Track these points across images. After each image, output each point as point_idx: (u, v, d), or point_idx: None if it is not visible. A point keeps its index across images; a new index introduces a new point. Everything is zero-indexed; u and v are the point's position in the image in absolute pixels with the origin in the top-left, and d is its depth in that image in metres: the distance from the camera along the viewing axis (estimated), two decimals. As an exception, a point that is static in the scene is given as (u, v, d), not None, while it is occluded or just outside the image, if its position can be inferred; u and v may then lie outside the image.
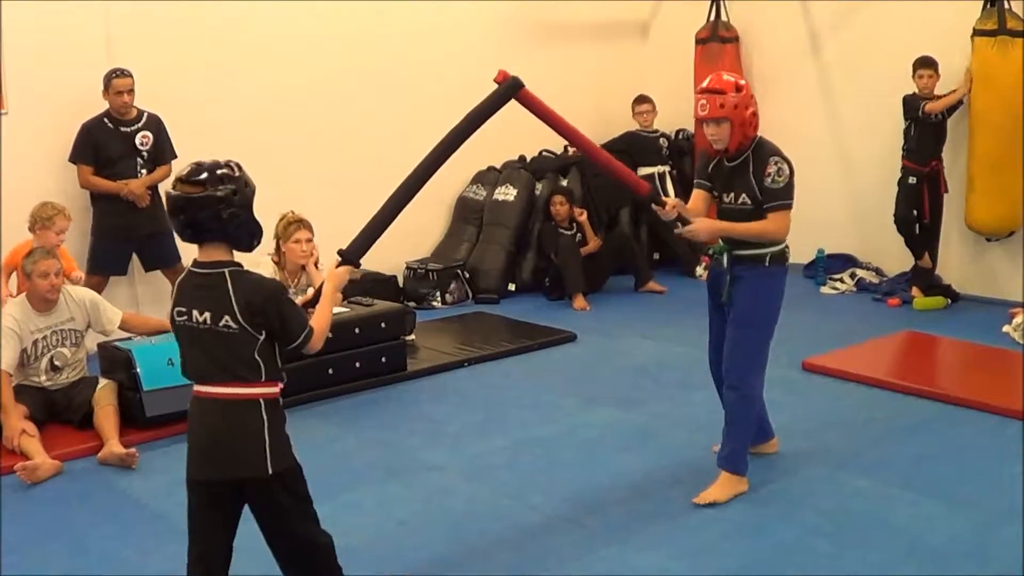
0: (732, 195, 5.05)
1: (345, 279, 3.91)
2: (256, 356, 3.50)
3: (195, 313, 3.49)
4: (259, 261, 6.91)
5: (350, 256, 3.99)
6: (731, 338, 5.08)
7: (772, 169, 4.93)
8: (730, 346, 5.09)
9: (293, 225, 6.85)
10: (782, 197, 4.98)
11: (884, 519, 4.78)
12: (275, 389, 3.57)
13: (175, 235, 7.48)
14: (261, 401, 3.53)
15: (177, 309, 3.55)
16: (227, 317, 3.45)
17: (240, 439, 3.54)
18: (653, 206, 5.08)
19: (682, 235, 5.15)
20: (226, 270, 3.50)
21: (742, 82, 5.00)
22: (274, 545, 3.70)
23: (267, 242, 6.99)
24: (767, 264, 5.04)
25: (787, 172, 4.98)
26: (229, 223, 3.45)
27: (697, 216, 5.13)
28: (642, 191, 5.23)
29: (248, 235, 3.55)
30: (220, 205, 3.42)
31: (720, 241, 5.09)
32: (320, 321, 3.66)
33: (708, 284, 5.29)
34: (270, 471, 3.53)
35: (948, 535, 4.60)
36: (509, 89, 4.57)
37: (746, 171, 4.98)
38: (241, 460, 3.55)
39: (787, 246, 5.13)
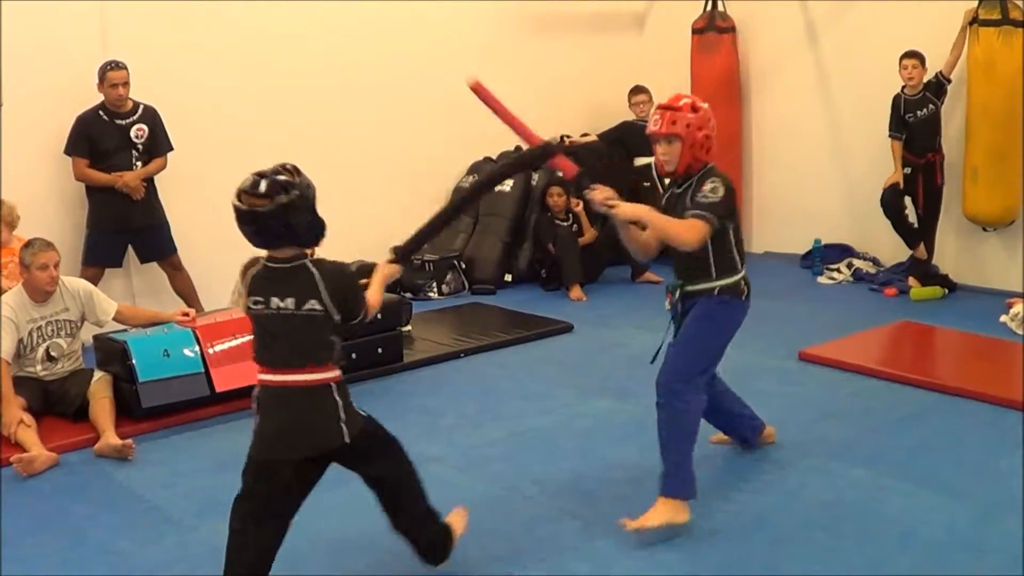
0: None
1: (394, 274, 4.31)
2: (332, 337, 3.81)
3: (275, 300, 3.76)
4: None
5: (401, 256, 4.32)
6: (671, 351, 4.86)
7: (708, 187, 4.65)
8: (668, 357, 4.84)
9: None
10: (706, 208, 4.62)
11: (880, 510, 4.78)
12: (339, 373, 3.88)
13: (170, 227, 7.57)
14: (332, 386, 3.83)
15: (253, 299, 3.80)
16: (313, 301, 3.73)
17: (317, 420, 3.83)
18: (585, 192, 4.84)
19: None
20: (307, 260, 3.80)
21: (701, 104, 4.82)
22: (372, 482, 4.13)
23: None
24: (716, 293, 4.80)
25: (722, 192, 4.65)
26: (298, 227, 3.71)
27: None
28: (570, 173, 4.99)
29: (315, 235, 3.84)
30: (287, 213, 3.64)
31: (674, 276, 4.90)
32: (373, 300, 3.99)
33: (671, 318, 5.03)
34: (347, 439, 3.85)
35: (944, 526, 4.60)
36: (544, 154, 4.51)
37: (687, 194, 4.75)
38: (318, 437, 3.86)
39: (743, 279, 4.87)
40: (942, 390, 6.28)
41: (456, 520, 4.38)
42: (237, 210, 3.65)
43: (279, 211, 3.62)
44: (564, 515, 4.85)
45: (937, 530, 4.57)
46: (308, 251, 3.87)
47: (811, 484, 5.08)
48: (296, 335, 3.76)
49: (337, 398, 3.84)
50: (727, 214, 4.72)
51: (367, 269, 4.17)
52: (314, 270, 3.77)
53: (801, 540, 4.52)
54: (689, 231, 4.62)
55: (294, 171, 3.70)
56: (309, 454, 3.87)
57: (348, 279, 3.89)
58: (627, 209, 4.72)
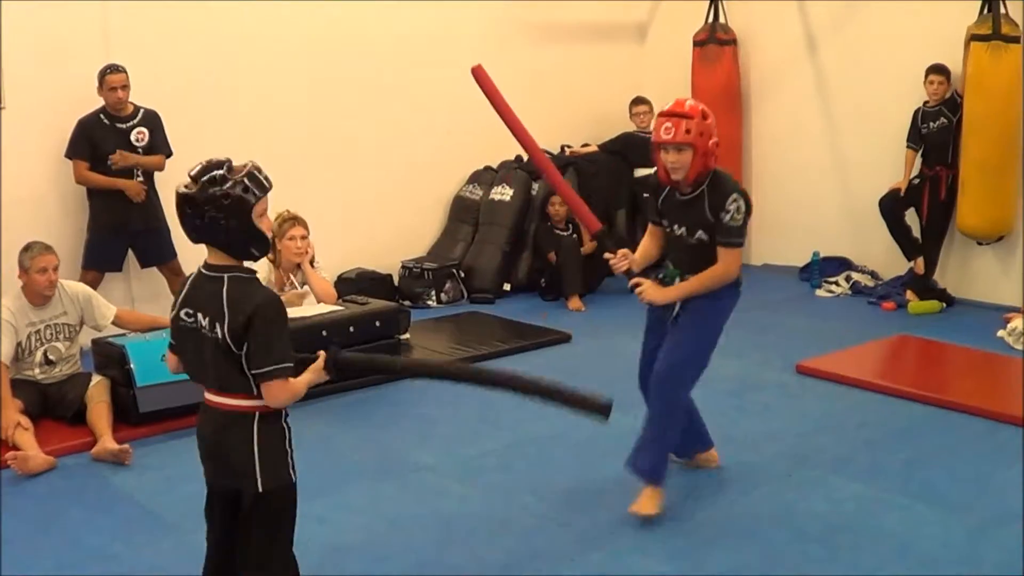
0: (685, 228, 4.83)
1: (322, 379, 3.55)
2: (244, 371, 3.32)
3: (200, 316, 3.34)
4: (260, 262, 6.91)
5: (341, 364, 3.58)
6: (675, 339, 4.90)
7: (732, 208, 4.69)
8: (671, 345, 4.91)
9: (288, 223, 6.84)
10: (736, 235, 4.75)
11: (876, 523, 4.78)
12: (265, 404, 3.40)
13: (170, 231, 7.57)
14: (255, 415, 3.38)
15: (185, 310, 3.39)
16: (218, 325, 3.29)
17: (229, 452, 3.41)
18: (605, 255, 4.97)
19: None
20: (226, 275, 3.35)
21: (708, 110, 4.77)
22: (240, 559, 3.54)
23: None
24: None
25: (744, 210, 4.73)
26: (220, 226, 3.28)
27: (649, 256, 5.04)
28: (593, 227, 5.14)
29: (244, 245, 3.37)
30: (208, 203, 3.24)
31: (671, 265, 4.94)
32: (296, 384, 3.40)
33: (649, 307, 5.10)
34: (260, 488, 3.39)
35: (940, 539, 4.61)
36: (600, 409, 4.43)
37: (701, 204, 4.75)
38: (233, 471, 3.43)
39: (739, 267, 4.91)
40: (939, 404, 6.29)
41: None
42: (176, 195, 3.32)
43: (202, 199, 3.23)
44: (560, 525, 4.85)
45: (933, 543, 4.57)
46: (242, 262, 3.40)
47: (807, 496, 5.09)
48: (213, 358, 3.33)
49: (255, 430, 3.37)
50: (746, 229, 4.83)
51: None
52: (225, 289, 3.31)
53: (796, 553, 4.52)
54: (730, 268, 4.78)
55: (230, 166, 3.29)
56: (224, 486, 3.50)
57: (254, 308, 3.28)
58: (656, 295, 4.87)
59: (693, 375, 4.96)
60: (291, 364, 3.34)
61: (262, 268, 6.86)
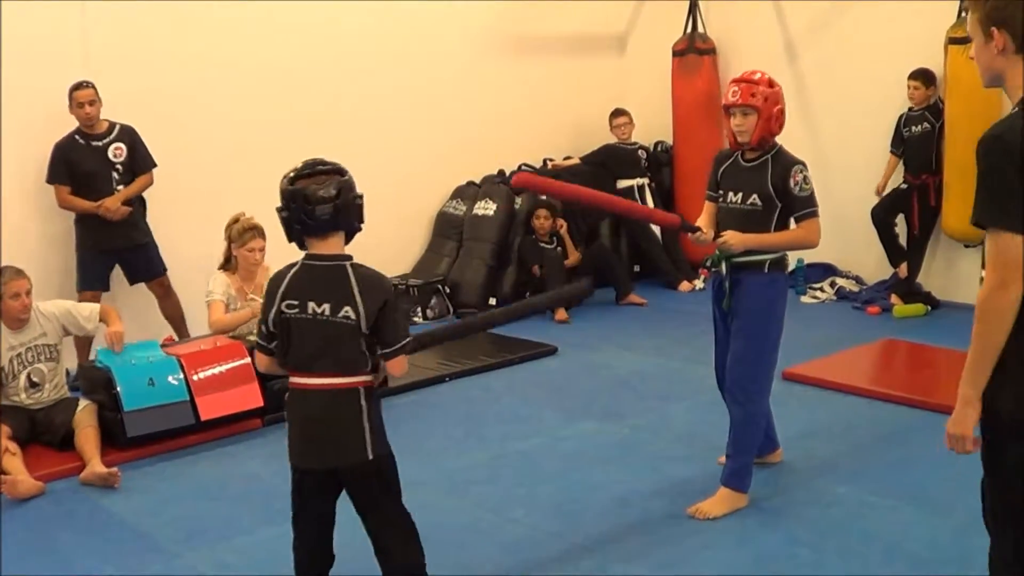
0: (740, 195, 4.98)
1: None
2: (364, 349, 3.65)
3: (312, 305, 3.62)
4: (214, 276, 6.84)
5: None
6: (733, 351, 5.05)
7: (799, 178, 4.94)
8: (732, 359, 5.06)
9: (249, 232, 6.72)
10: (811, 205, 4.99)
11: (864, 526, 4.81)
12: (370, 378, 3.72)
13: (157, 247, 7.51)
14: (360, 389, 3.68)
15: (287, 303, 3.65)
16: (348, 308, 3.59)
17: (340, 425, 3.68)
18: (688, 235, 5.10)
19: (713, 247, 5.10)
20: (347, 263, 3.69)
21: (775, 81, 5.08)
22: (369, 528, 3.88)
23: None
24: (766, 271, 4.98)
25: (810, 180, 4.99)
26: (349, 211, 3.73)
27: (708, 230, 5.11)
28: (674, 223, 5.29)
29: (359, 220, 3.82)
30: (341, 195, 3.67)
31: (717, 250, 5.03)
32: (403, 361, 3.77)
33: (712, 296, 5.23)
34: (370, 456, 3.69)
35: (928, 541, 4.63)
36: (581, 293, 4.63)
37: (764, 172, 4.96)
38: (341, 447, 3.69)
39: (785, 253, 5.09)
40: (925, 407, 6.30)
41: None
42: (291, 194, 3.62)
43: (348, 184, 3.69)
44: (548, 537, 4.87)
45: (920, 545, 4.60)
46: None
47: (795, 502, 5.11)
48: (329, 342, 3.62)
49: (363, 403, 3.67)
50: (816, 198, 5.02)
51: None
52: (351, 274, 3.66)
53: (785, 557, 4.54)
54: (812, 235, 5.07)
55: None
56: (328, 466, 3.72)
57: (388, 293, 3.72)
58: (737, 239, 4.91)
59: (762, 381, 5.11)
60: (411, 338, 3.78)
61: (221, 281, 6.77)
